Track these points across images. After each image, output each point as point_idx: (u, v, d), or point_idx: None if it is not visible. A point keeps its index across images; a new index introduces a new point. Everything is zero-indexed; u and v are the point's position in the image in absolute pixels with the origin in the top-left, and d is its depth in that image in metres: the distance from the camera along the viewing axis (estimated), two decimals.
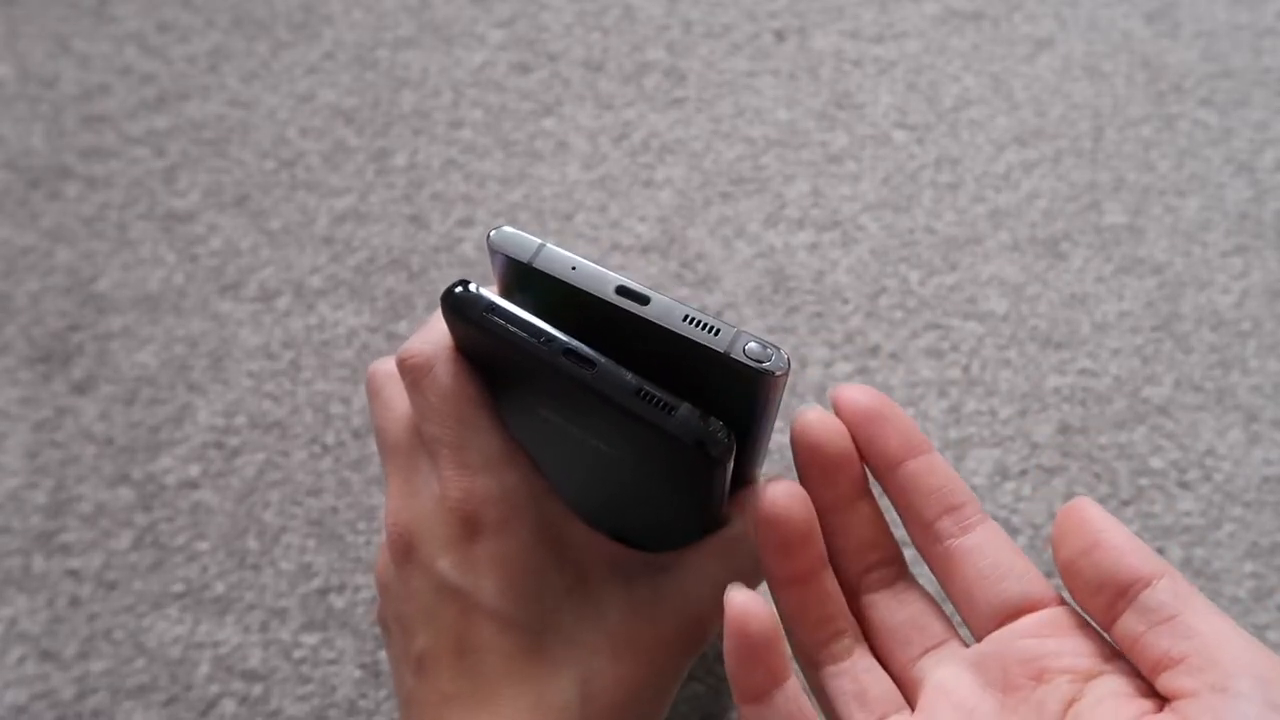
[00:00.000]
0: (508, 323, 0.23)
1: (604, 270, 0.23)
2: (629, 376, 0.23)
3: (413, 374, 0.26)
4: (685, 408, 0.22)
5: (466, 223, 0.49)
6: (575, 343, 0.23)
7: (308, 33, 0.55)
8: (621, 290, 0.23)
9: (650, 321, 0.23)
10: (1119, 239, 0.48)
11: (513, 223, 0.49)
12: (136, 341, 0.46)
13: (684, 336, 0.22)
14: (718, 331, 0.22)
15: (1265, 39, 0.54)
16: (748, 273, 0.47)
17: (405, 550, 0.27)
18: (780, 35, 0.55)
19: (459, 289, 0.24)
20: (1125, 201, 0.49)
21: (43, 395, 0.45)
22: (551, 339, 0.23)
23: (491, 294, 0.24)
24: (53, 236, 0.49)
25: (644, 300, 0.23)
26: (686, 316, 0.22)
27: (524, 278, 0.24)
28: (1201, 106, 0.52)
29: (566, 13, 0.56)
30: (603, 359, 0.23)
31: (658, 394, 0.23)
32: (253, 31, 0.55)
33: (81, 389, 0.45)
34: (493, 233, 0.24)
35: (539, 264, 0.23)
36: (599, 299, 0.23)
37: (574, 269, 0.23)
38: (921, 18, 0.55)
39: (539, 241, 0.24)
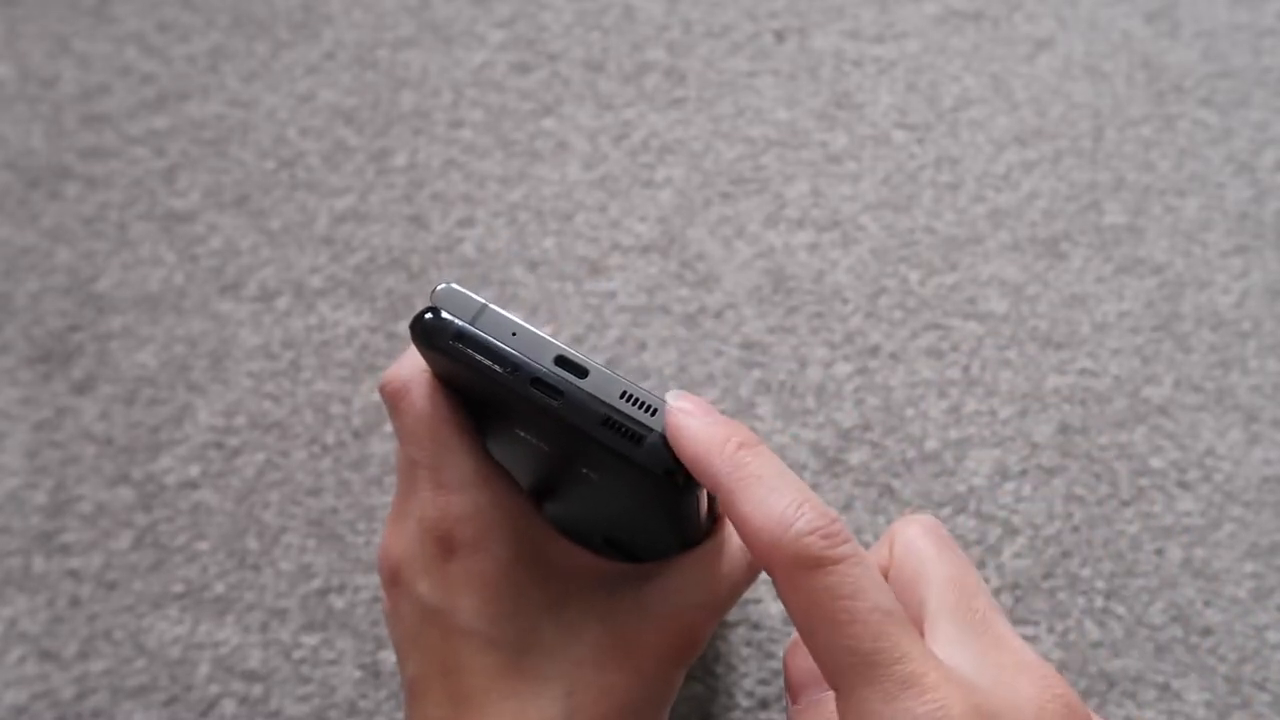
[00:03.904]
0: (475, 351, 0.23)
1: (545, 337, 0.23)
2: (598, 406, 0.23)
3: (391, 399, 0.26)
4: (654, 436, 0.22)
5: (466, 223, 0.49)
6: (544, 370, 0.23)
7: (308, 33, 0.55)
8: (560, 360, 0.23)
9: (587, 396, 0.23)
10: (1119, 239, 0.48)
11: (510, 224, 0.49)
12: (136, 341, 0.46)
13: (614, 423, 0.23)
14: (654, 411, 0.23)
15: (1265, 39, 0.54)
16: (748, 273, 0.47)
17: (392, 576, 0.27)
18: (780, 35, 0.55)
19: (428, 315, 0.24)
20: (1125, 201, 0.49)
21: (43, 395, 0.45)
22: (519, 368, 0.23)
23: (460, 320, 0.24)
24: (53, 236, 0.49)
25: (582, 373, 0.23)
26: (624, 394, 0.23)
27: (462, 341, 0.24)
28: (1201, 106, 0.52)
29: (566, 13, 0.56)
30: (571, 387, 0.23)
31: (626, 423, 0.23)
32: (253, 31, 0.55)
33: (81, 389, 0.45)
34: (438, 288, 0.24)
35: (475, 331, 0.24)
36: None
37: (514, 335, 0.23)
38: (921, 18, 0.55)
39: (480, 304, 0.24)
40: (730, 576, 0.27)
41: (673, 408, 0.22)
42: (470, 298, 0.24)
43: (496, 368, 0.23)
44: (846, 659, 0.19)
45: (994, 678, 0.20)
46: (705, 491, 0.24)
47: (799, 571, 0.19)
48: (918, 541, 0.24)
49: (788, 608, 0.20)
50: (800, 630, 0.20)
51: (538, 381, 0.23)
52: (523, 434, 0.25)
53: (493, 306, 0.24)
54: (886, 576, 0.24)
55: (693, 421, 0.22)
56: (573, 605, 0.26)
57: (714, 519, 0.28)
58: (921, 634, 0.22)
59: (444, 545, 0.25)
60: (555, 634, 0.26)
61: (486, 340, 0.23)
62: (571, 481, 0.26)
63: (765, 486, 0.20)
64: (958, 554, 0.24)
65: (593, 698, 0.25)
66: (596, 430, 0.23)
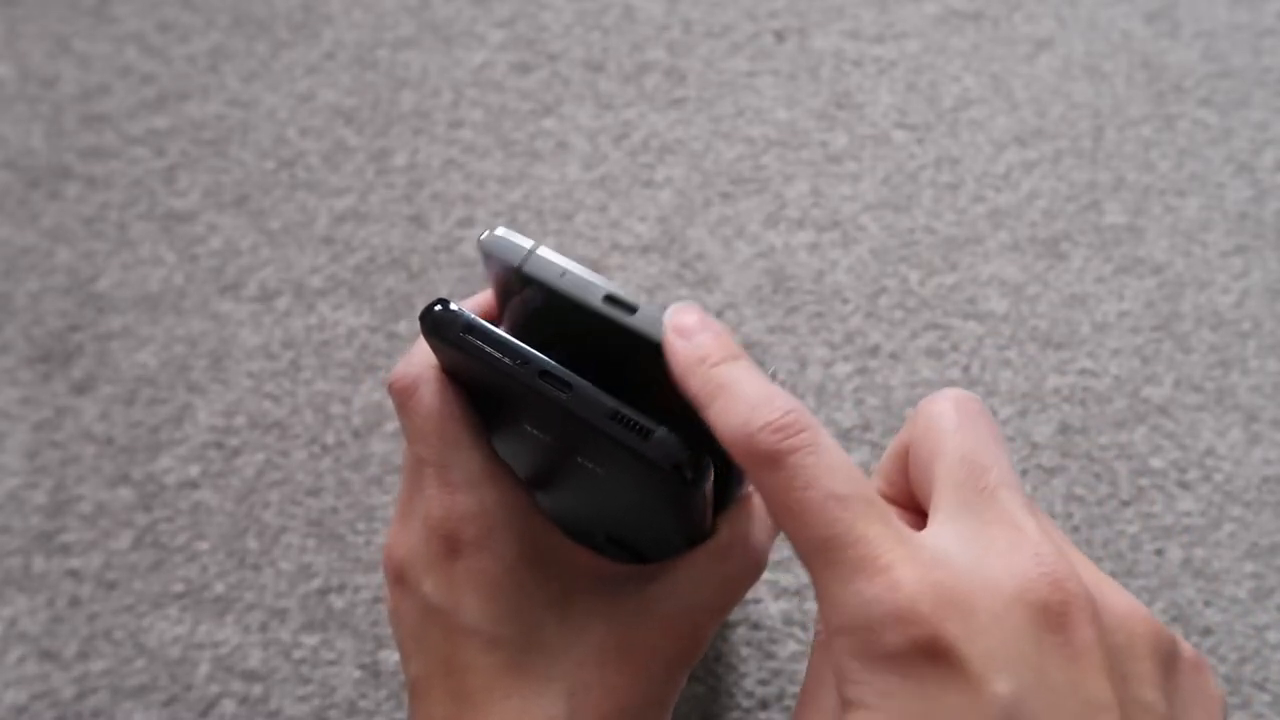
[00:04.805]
0: (485, 343, 0.23)
1: (594, 277, 0.23)
2: (606, 400, 0.23)
3: (399, 396, 0.26)
4: (662, 431, 0.22)
5: (466, 223, 0.49)
6: (552, 364, 0.23)
7: (308, 33, 0.55)
8: (609, 298, 0.23)
9: (638, 332, 0.22)
10: (1119, 239, 0.48)
11: (510, 224, 0.49)
12: (136, 341, 0.46)
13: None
14: None
15: (1265, 39, 0.54)
16: (748, 273, 0.47)
17: (397, 574, 0.27)
18: (780, 35, 0.55)
19: (437, 308, 0.24)
20: (1125, 201, 0.49)
21: (43, 395, 0.45)
22: (528, 360, 0.23)
23: (469, 313, 0.24)
24: (53, 236, 0.49)
25: (631, 309, 0.23)
26: None
27: (516, 281, 0.24)
28: (1201, 106, 0.52)
29: (566, 13, 0.56)
30: (580, 380, 0.23)
31: (634, 417, 0.22)
32: (253, 31, 0.55)
33: (81, 389, 0.45)
34: (484, 235, 0.24)
35: (528, 269, 0.23)
36: (586, 307, 0.23)
37: (563, 275, 0.23)
38: (921, 18, 0.55)
39: (529, 246, 0.24)
40: (735, 576, 0.27)
41: (668, 325, 0.22)
42: (518, 241, 0.24)
43: (505, 360, 0.23)
44: (806, 547, 0.19)
45: (977, 556, 0.19)
46: (711, 488, 0.24)
47: (760, 470, 0.20)
48: (940, 417, 0.23)
49: (766, 507, 0.21)
50: (777, 525, 0.20)
51: (546, 374, 0.23)
52: (530, 429, 0.25)
53: (542, 249, 0.24)
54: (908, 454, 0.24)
55: (680, 343, 0.22)
56: (577, 605, 0.26)
57: (720, 517, 0.28)
58: (928, 506, 0.22)
59: (449, 544, 0.25)
60: (559, 633, 0.26)
61: (495, 333, 0.23)
62: (578, 478, 0.26)
63: (729, 394, 0.21)
64: (980, 427, 0.22)
65: (595, 698, 0.25)
66: (605, 423, 0.22)
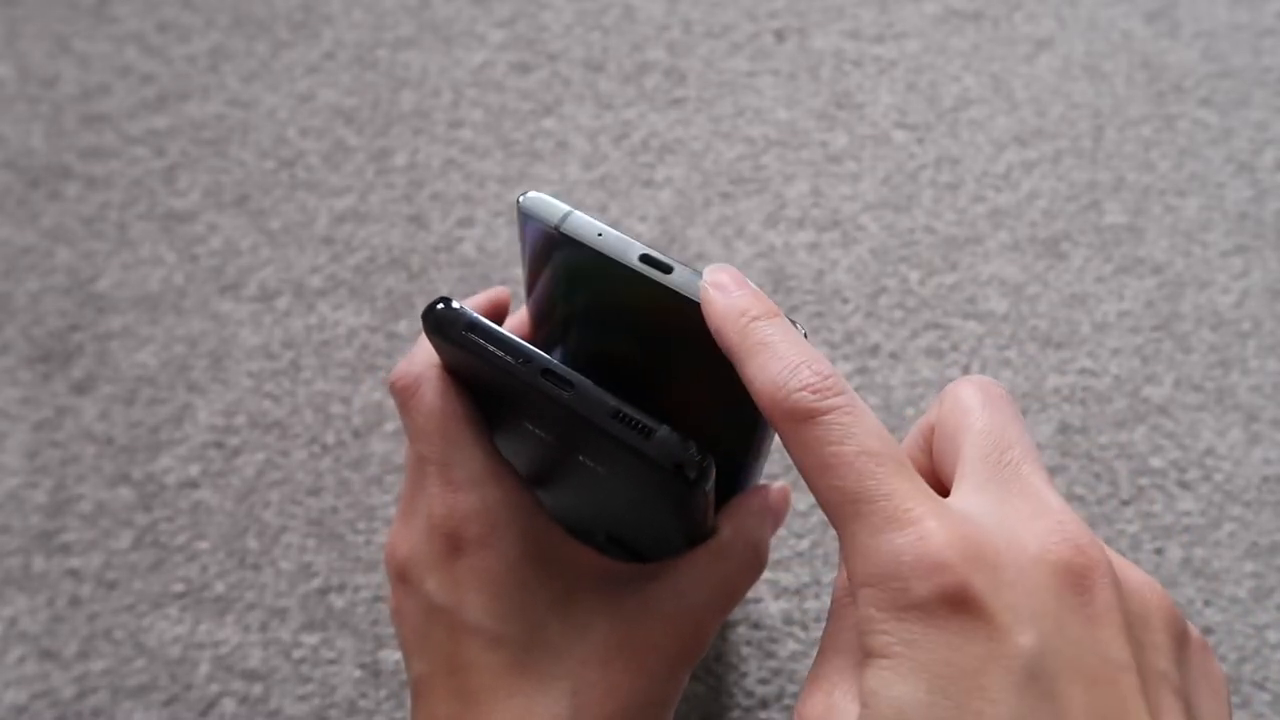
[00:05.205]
0: (487, 341, 0.23)
1: (629, 239, 0.23)
2: (608, 398, 0.23)
3: (401, 395, 0.27)
4: (664, 430, 0.22)
5: (466, 223, 0.49)
6: (554, 363, 0.23)
7: (308, 33, 0.55)
8: (645, 258, 0.23)
9: (674, 290, 0.22)
10: (1119, 239, 0.48)
11: (510, 224, 0.49)
12: (136, 341, 0.46)
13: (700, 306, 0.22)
14: None
15: (1265, 39, 0.54)
16: (748, 272, 0.47)
17: (400, 573, 0.27)
18: (780, 35, 0.55)
19: (440, 306, 0.24)
20: (1125, 201, 0.49)
21: (43, 395, 0.45)
22: (530, 359, 0.23)
23: (472, 311, 0.24)
24: (53, 236, 0.49)
25: (667, 269, 0.23)
26: None
27: (552, 243, 0.24)
28: (1201, 106, 0.52)
29: (566, 13, 0.56)
30: (582, 379, 0.23)
31: (636, 416, 0.22)
32: (253, 31, 0.55)
33: (81, 389, 0.45)
34: (523, 197, 0.24)
35: (567, 228, 0.23)
36: (623, 266, 0.23)
37: (600, 235, 0.23)
38: (921, 18, 0.55)
39: (567, 208, 0.24)
40: (736, 575, 0.27)
41: (706, 282, 0.22)
42: (556, 203, 0.24)
43: (508, 358, 0.23)
44: (837, 499, 0.20)
45: (1002, 519, 0.20)
46: (713, 487, 0.24)
47: (793, 425, 0.20)
48: (965, 398, 0.23)
49: (794, 462, 0.21)
50: (805, 480, 0.21)
51: (548, 373, 0.23)
52: (532, 427, 0.25)
53: (577, 212, 0.24)
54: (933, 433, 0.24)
55: (719, 296, 0.22)
56: (580, 603, 0.26)
57: (720, 515, 0.28)
58: (950, 483, 0.22)
59: (452, 542, 0.26)
60: (562, 632, 0.26)
61: (498, 331, 0.23)
62: (579, 477, 0.26)
63: (769, 352, 0.21)
64: (1004, 409, 0.23)
65: (598, 696, 0.25)
66: (607, 423, 0.22)
